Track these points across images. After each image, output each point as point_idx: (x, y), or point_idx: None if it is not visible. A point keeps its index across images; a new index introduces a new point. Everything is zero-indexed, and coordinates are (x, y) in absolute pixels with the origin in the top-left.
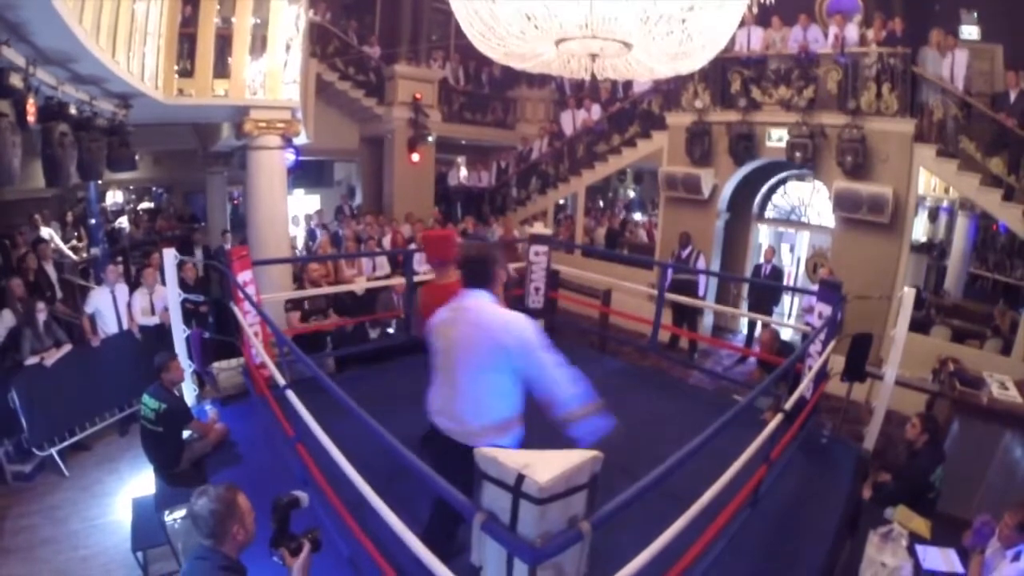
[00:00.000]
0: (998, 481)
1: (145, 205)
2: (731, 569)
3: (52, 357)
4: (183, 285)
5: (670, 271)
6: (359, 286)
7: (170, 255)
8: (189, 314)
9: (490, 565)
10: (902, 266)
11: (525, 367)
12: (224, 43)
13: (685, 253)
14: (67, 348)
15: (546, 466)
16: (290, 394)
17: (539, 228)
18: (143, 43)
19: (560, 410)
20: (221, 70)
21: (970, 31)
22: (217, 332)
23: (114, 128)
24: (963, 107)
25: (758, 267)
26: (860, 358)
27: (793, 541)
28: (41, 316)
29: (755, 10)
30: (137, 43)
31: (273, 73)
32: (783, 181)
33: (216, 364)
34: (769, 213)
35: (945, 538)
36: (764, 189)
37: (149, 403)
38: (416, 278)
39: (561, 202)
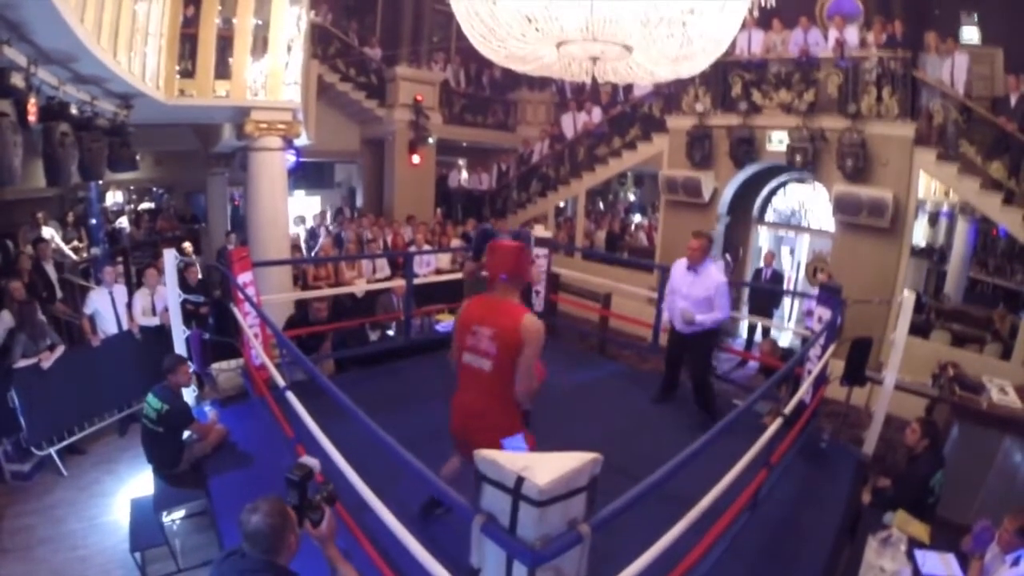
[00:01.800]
0: (998, 486)
1: (145, 205)
2: (730, 573)
3: (48, 360)
4: (184, 286)
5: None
6: (359, 288)
7: (170, 255)
8: (189, 315)
9: (490, 567)
10: (902, 270)
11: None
12: (225, 44)
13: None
14: (60, 350)
15: (546, 468)
16: (290, 395)
17: (539, 231)
18: (144, 43)
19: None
20: (222, 71)
21: (970, 34)
22: (217, 333)
23: (115, 128)
24: (963, 111)
25: (759, 271)
26: (860, 362)
27: (792, 545)
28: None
29: (756, 13)
30: (138, 43)
31: (274, 74)
32: (783, 184)
33: (216, 365)
34: (769, 216)
35: (944, 543)
36: (764, 192)
37: (152, 403)
38: (416, 280)
39: (561, 205)
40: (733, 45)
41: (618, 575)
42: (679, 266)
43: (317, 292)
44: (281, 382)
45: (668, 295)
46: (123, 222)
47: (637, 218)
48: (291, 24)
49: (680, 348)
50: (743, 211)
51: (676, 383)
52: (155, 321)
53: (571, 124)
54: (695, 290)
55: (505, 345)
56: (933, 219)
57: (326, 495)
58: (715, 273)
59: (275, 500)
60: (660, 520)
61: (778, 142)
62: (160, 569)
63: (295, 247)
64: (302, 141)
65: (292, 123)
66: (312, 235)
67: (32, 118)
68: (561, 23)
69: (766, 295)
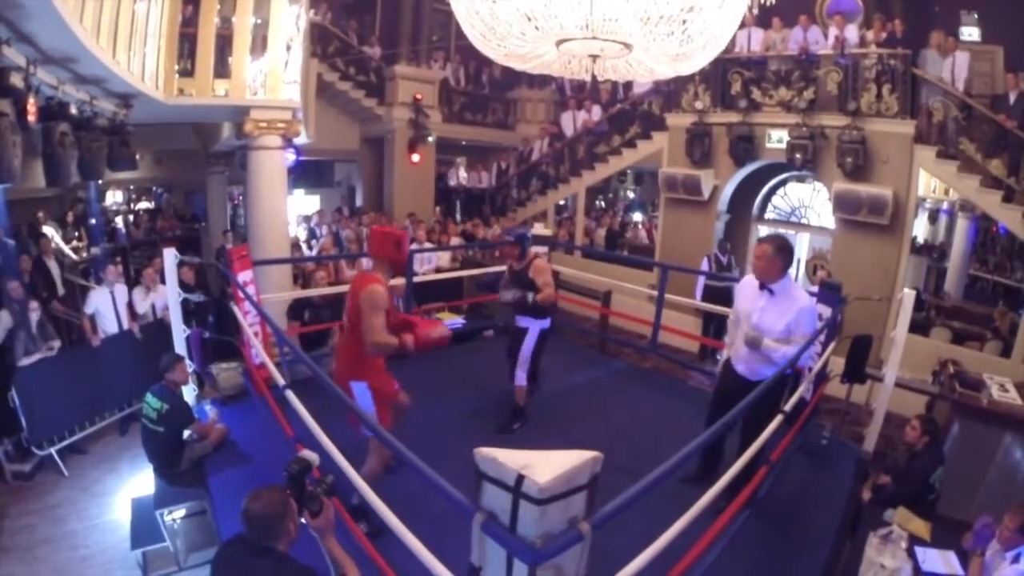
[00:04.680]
0: (998, 483)
1: (143, 205)
2: (730, 570)
3: (30, 359)
4: (183, 286)
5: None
6: None
7: (170, 255)
8: (188, 312)
9: (490, 566)
10: (902, 267)
11: None
12: (224, 43)
13: (725, 259)
14: (54, 349)
15: (546, 467)
16: (290, 394)
17: (539, 229)
18: (144, 43)
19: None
20: (221, 70)
21: (970, 32)
22: (217, 332)
23: (114, 128)
24: (963, 109)
25: None
26: (860, 360)
27: (793, 543)
28: (34, 316)
29: (755, 11)
30: (138, 43)
31: (273, 73)
32: (783, 182)
33: (216, 364)
34: (769, 214)
35: (945, 540)
36: (764, 190)
37: (152, 403)
38: (416, 278)
39: (561, 203)
40: (733, 43)
41: (618, 573)
42: (747, 285)
43: (317, 291)
44: (281, 381)
45: (731, 323)
46: (118, 222)
47: (637, 216)
48: (290, 23)
49: (733, 399)
50: (743, 209)
51: (722, 452)
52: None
53: (571, 122)
54: (768, 317)
55: (353, 305)
56: (933, 216)
57: (325, 487)
58: (799, 294)
59: (277, 489)
60: (661, 518)
61: (778, 140)
62: (161, 568)
63: (295, 246)
64: (302, 140)
65: (291, 122)
66: (312, 234)
67: (31, 118)
68: (561, 21)
69: None
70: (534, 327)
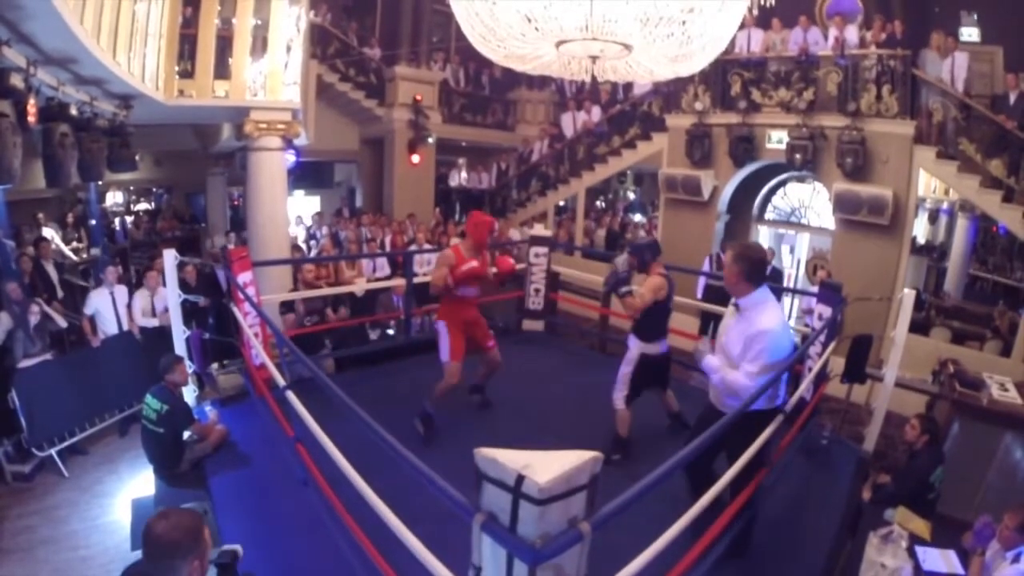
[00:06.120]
0: (998, 482)
1: (143, 206)
2: (731, 570)
3: (30, 361)
4: (185, 286)
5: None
6: (359, 287)
7: (170, 256)
8: (189, 313)
9: (490, 566)
10: (902, 268)
11: None
12: (225, 44)
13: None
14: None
15: (546, 467)
16: (290, 395)
17: (539, 230)
18: (144, 44)
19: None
20: (221, 71)
21: (970, 33)
22: (217, 333)
23: (114, 129)
24: (963, 109)
25: None
26: (860, 360)
27: (793, 543)
28: (33, 319)
29: (755, 12)
30: (138, 44)
31: (273, 74)
32: (783, 183)
33: (216, 365)
34: (769, 215)
35: (945, 539)
36: (764, 191)
37: (152, 404)
38: (416, 279)
39: (561, 204)
40: (732, 44)
41: (618, 573)
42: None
43: (317, 292)
44: (281, 381)
45: None
46: (116, 224)
47: (637, 217)
48: (290, 24)
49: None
50: (743, 209)
51: (708, 477)
52: (154, 322)
53: (571, 123)
54: (731, 337)
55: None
56: (933, 216)
57: None
58: (762, 315)
59: (191, 515)
60: (660, 518)
61: (777, 140)
62: None
63: (295, 248)
64: (301, 141)
65: (291, 123)
66: (311, 236)
67: (32, 119)
68: (560, 22)
69: None
70: (633, 348)
